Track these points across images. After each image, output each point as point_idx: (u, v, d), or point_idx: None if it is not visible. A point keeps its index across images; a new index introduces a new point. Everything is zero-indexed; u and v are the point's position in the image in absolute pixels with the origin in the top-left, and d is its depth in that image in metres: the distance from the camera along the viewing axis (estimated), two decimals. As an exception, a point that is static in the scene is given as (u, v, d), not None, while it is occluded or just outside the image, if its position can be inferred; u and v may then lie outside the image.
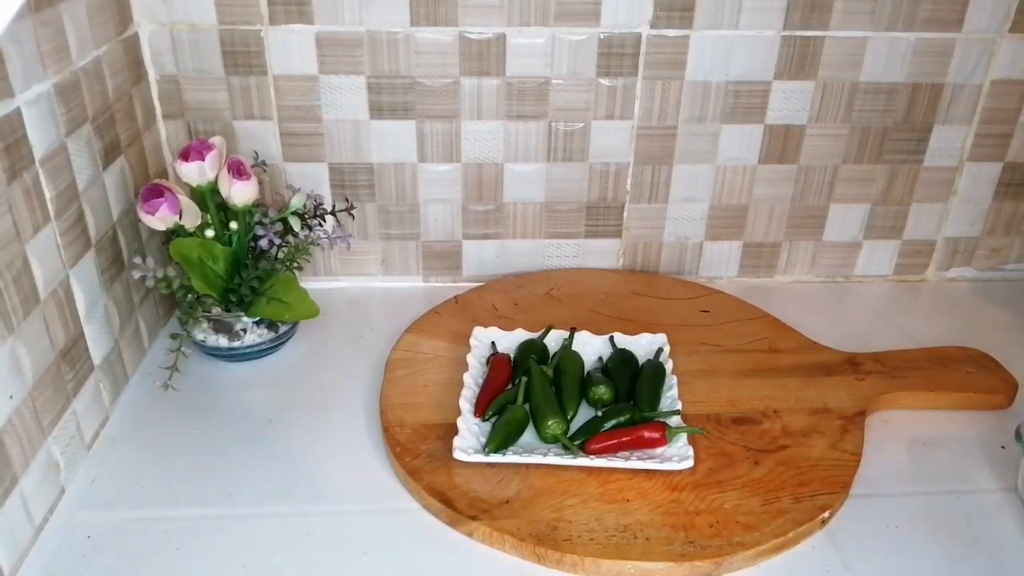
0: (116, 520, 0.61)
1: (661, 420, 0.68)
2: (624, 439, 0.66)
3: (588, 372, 0.74)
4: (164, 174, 0.84)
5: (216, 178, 0.75)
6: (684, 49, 0.82)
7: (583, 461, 0.64)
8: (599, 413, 0.70)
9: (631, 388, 0.72)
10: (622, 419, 0.68)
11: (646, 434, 0.66)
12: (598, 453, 0.65)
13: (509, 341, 0.78)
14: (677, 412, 0.68)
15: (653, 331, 0.79)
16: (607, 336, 0.79)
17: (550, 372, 0.73)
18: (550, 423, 0.66)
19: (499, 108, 0.84)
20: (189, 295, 0.75)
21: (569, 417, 0.69)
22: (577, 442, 0.66)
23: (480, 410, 0.69)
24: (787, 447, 0.68)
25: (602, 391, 0.71)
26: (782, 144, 0.88)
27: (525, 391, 0.69)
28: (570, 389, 0.71)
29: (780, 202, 0.91)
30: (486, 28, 0.81)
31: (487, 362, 0.75)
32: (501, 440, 0.65)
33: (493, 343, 0.78)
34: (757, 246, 0.94)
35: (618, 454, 0.65)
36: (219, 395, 0.75)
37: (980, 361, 0.78)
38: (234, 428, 0.71)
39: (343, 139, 0.85)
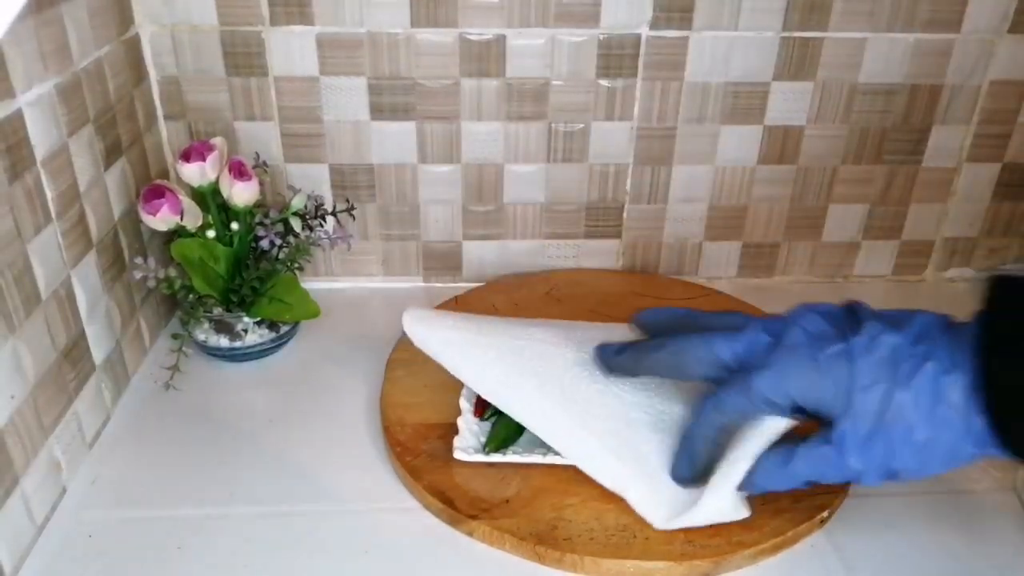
0: (117, 519, 0.61)
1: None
2: None
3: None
4: (165, 175, 0.84)
5: (217, 179, 0.75)
6: (683, 50, 0.83)
7: (583, 461, 0.64)
8: None
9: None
10: None
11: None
12: None
13: (509, 341, 0.78)
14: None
15: (653, 331, 0.79)
16: (607, 336, 0.79)
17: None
18: None
19: (499, 109, 0.84)
20: (190, 295, 0.75)
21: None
22: None
23: (480, 409, 0.69)
24: (786, 447, 0.68)
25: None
26: (781, 145, 0.88)
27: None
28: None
29: (779, 202, 0.92)
30: (486, 29, 0.81)
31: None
32: (501, 440, 0.65)
33: None
34: (756, 246, 0.94)
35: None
36: (220, 395, 0.75)
37: (979, 361, 0.78)
38: (235, 428, 0.71)
39: (344, 140, 0.85)
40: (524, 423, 0.63)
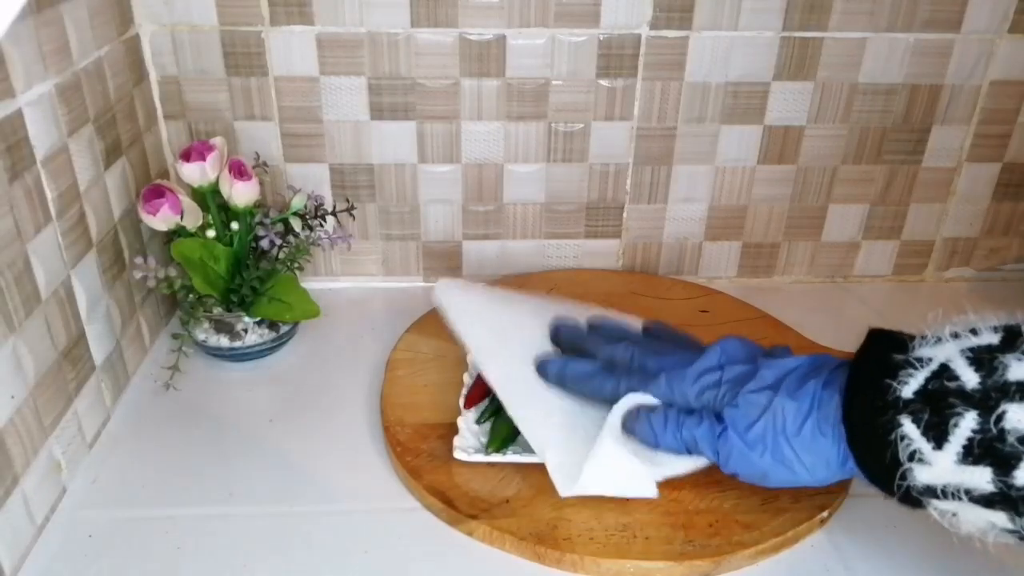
0: (117, 519, 0.62)
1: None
2: None
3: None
4: (165, 175, 0.84)
5: (217, 179, 0.75)
6: (683, 50, 0.83)
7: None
8: None
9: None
10: None
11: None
12: None
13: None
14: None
15: (653, 331, 0.80)
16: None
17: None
18: None
19: (499, 109, 0.84)
20: (190, 295, 0.75)
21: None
22: None
23: (470, 402, 0.69)
24: (786, 447, 0.68)
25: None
26: (781, 145, 0.88)
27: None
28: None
29: (779, 202, 0.92)
30: (486, 29, 0.81)
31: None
32: (502, 439, 0.65)
33: None
34: (756, 246, 0.94)
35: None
36: (220, 395, 0.75)
37: (979, 361, 0.78)
38: (235, 428, 0.71)
39: (344, 140, 0.85)
40: (489, 379, 0.66)
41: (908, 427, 0.46)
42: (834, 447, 0.51)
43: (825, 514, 0.62)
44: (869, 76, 0.85)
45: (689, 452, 0.57)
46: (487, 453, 0.64)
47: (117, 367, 0.73)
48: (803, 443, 0.52)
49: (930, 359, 0.47)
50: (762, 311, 0.87)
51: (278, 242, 0.77)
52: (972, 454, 0.44)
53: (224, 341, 0.77)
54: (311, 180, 0.87)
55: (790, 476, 0.54)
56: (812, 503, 0.62)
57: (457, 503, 0.61)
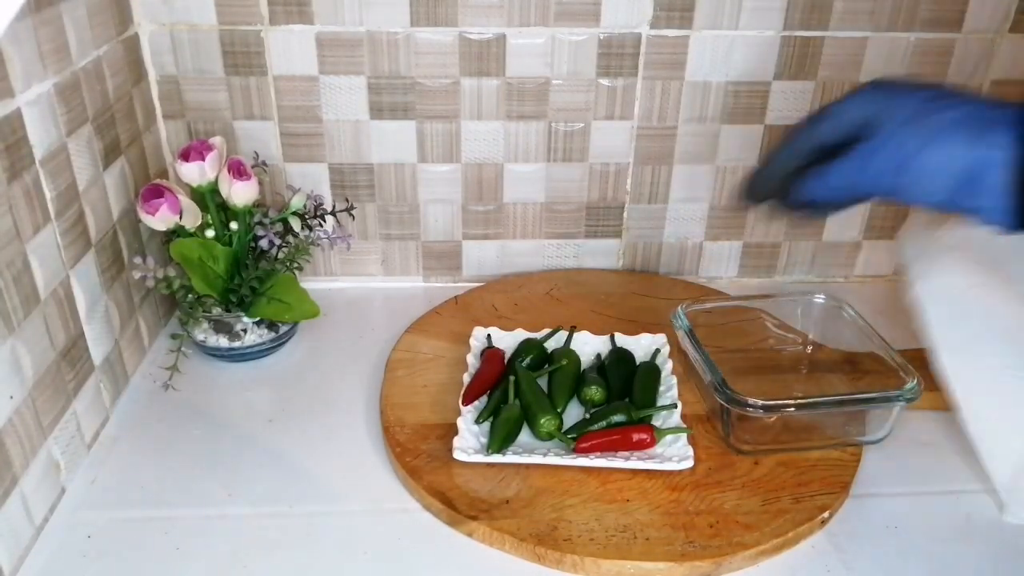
0: (116, 520, 0.61)
1: (649, 422, 0.68)
2: (612, 438, 0.66)
3: (583, 371, 0.74)
4: (164, 174, 0.84)
5: (216, 178, 0.75)
6: (684, 49, 0.82)
7: (583, 461, 0.64)
8: (587, 415, 0.70)
9: (627, 386, 0.72)
10: (612, 420, 0.68)
11: (635, 436, 0.66)
12: (585, 453, 0.65)
13: (509, 341, 0.78)
14: (672, 407, 0.68)
15: (653, 331, 0.79)
16: (607, 336, 0.79)
17: (545, 373, 0.73)
18: (542, 421, 0.66)
19: (499, 108, 0.84)
20: (189, 295, 0.75)
21: (559, 411, 0.69)
22: (571, 436, 0.67)
23: (468, 399, 0.69)
24: (787, 447, 0.68)
25: (593, 391, 0.71)
26: (782, 144, 0.88)
27: (514, 389, 0.69)
28: (562, 387, 0.71)
29: (780, 202, 0.91)
30: (486, 28, 0.81)
31: (481, 354, 0.75)
32: (502, 439, 0.65)
33: (488, 336, 0.78)
34: (757, 246, 0.94)
35: (618, 453, 0.65)
36: (219, 395, 0.75)
37: (980, 361, 0.78)
38: (234, 428, 0.71)
39: (343, 139, 0.85)
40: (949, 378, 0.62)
41: None
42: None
43: (826, 515, 0.61)
44: (870, 75, 0.85)
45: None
46: (487, 454, 0.64)
47: (116, 367, 0.73)
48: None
49: None
50: (763, 311, 0.86)
51: (277, 242, 0.77)
52: None
53: (223, 341, 0.77)
54: (310, 180, 0.87)
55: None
56: (813, 504, 0.62)
57: (457, 504, 0.61)
